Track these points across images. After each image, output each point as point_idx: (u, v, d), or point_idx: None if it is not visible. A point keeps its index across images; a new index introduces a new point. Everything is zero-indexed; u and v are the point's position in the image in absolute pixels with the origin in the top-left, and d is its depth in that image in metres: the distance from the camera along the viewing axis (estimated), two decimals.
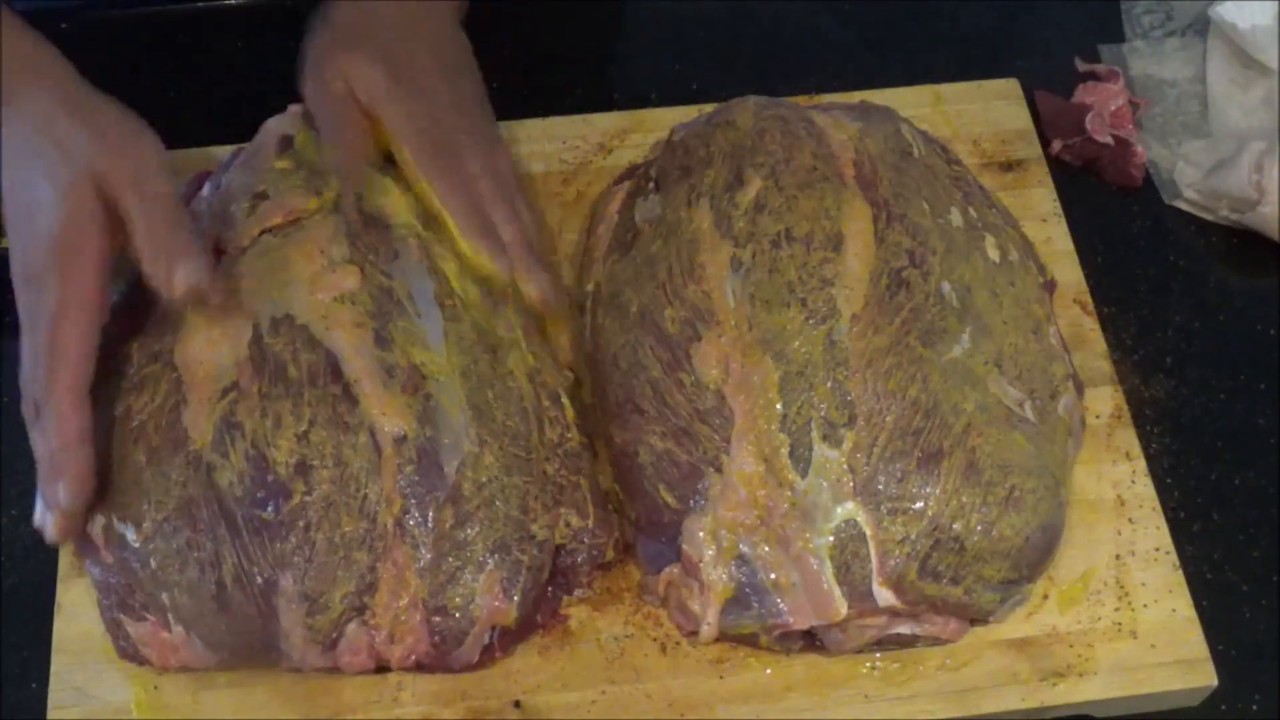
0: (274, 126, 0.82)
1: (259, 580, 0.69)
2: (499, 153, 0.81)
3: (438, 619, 0.70)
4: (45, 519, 0.70)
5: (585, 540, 0.74)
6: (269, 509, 0.69)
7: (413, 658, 0.71)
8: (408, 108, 0.77)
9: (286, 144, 0.80)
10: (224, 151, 0.84)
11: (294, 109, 0.82)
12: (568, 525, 0.73)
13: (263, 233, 0.76)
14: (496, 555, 0.71)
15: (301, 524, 0.69)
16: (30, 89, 0.71)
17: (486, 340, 0.76)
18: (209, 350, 0.73)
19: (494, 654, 0.72)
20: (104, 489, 0.71)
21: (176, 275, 0.69)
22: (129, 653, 0.71)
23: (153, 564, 0.70)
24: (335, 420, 0.71)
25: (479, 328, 0.76)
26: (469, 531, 0.71)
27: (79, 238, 0.68)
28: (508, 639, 0.72)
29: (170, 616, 0.70)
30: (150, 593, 0.70)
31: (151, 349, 0.74)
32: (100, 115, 0.71)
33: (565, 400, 0.77)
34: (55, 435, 0.68)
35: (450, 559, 0.70)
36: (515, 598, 0.71)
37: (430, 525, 0.70)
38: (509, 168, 0.81)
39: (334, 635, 0.70)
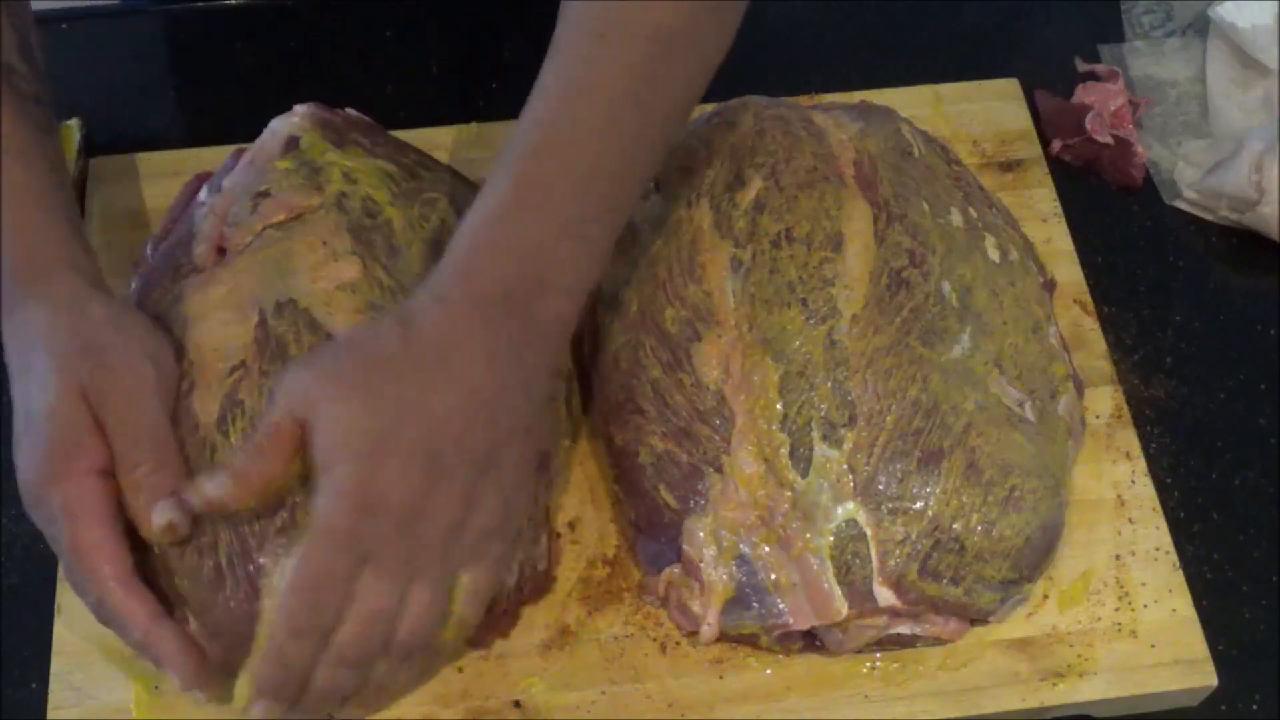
0: (279, 127, 0.82)
1: (250, 565, 0.69)
2: (431, 598, 0.64)
3: None
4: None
5: (528, 564, 0.73)
6: None
7: None
8: (346, 485, 0.62)
9: (292, 144, 0.80)
10: (224, 151, 0.84)
11: (299, 109, 0.82)
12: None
13: (265, 228, 0.77)
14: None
15: (287, 505, 0.69)
16: (37, 295, 0.68)
17: None
18: (219, 332, 0.73)
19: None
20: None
21: (154, 516, 0.66)
22: None
23: (156, 549, 0.70)
24: None
25: None
26: None
27: (73, 446, 0.66)
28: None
29: (173, 604, 0.70)
30: (157, 586, 0.70)
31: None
32: (99, 331, 0.68)
33: (557, 423, 0.77)
34: (132, 628, 0.66)
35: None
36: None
37: None
38: (422, 620, 0.64)
39: None
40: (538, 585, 0.74)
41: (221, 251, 0.77)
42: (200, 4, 1.00)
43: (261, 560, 0.69)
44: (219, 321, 0.73)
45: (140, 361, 0.69)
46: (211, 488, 0.65)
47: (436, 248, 0.76)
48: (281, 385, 0.64)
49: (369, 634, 0.64)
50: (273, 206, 0.77)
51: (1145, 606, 0.76)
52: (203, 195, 0.81)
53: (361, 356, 0.64)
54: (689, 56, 0.69)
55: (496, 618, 0.73)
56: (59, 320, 0.68)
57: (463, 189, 0.83)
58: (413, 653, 0.66)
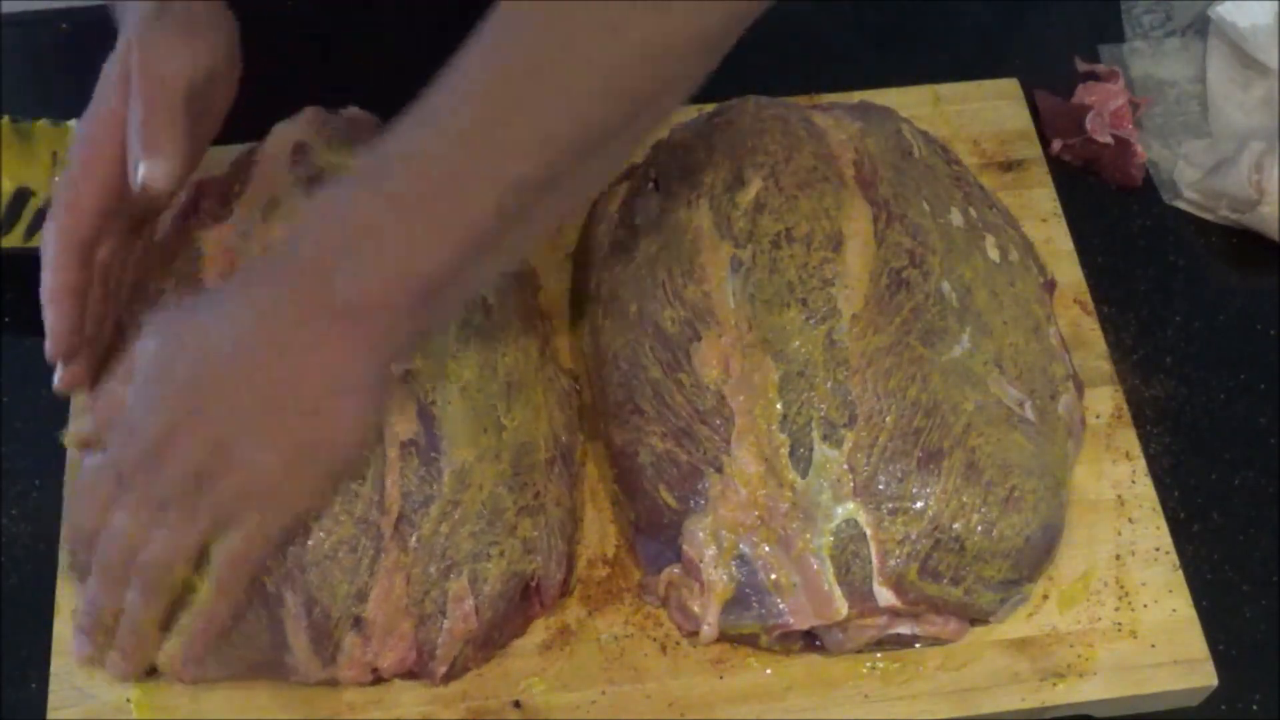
0: (284, 132, 0.81)
1: (267, 591, 0.69)
2: (169, 536, 0.65)
3: (421, 628, 0.70)
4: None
5: (550, 569, 0.73)
6: None
7: (405, 665, 0.71)
8: (113, 402, 0.69)
9: (300, 150, 0.79)
10: (223, 152, 0.83)
11: (304, 113, 0.82)
12: (536, 551, 0.73)
13: (277, 239, 0.75)
14: (470, 568, 0.70)
15: (306, 531, 0.69)
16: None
17: (500, 357, 0.75)
18: None
19: (467, 665, 0.72)
20: None
21: (141, 170, 0.68)
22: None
23: None
24: None
25: (494, 343, 0.76)
26: (451, 542, 0.70)
27: (106, 92, 0.71)
28: (478, 654, 0.72)
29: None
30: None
31: None
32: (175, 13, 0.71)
33: (574, 420, 0.78)
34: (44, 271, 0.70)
35: (432, 568, 0.70)
36: (487, 614, 0.71)
37: (423, 532, 0.70)
38: (160, 552, 0.65)
39: (333, 646, 0.69)
40: (560, 591, 0.75)
41: (233, 265, 0.76)
42: None
43: (276, 582, 0.69)
44: None
45: (185, 44, 0.70)
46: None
47: None
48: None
49: (109, 550, 0.66)
50: (284, 215, 0.77)
51: (1145, 606, 0.76)
52: (204, 206, 0.80)
53: (198, 300, 0.70)
54: (571, 70, 0.60)
55: (530, 610, 0.74)
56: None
57: None
58: (153, 586, 0.66)
